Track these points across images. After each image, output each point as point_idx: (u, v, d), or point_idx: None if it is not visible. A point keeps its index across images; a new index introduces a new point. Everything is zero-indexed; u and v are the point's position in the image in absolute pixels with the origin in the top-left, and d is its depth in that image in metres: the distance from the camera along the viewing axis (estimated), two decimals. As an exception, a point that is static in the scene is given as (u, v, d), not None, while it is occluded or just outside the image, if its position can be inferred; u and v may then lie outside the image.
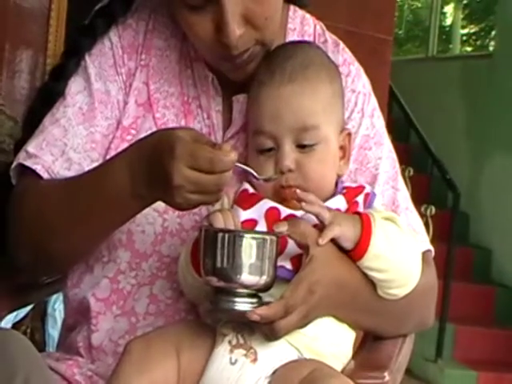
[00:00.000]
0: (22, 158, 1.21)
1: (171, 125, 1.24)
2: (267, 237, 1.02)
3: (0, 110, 2.02)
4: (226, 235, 1.00)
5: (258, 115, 1.15)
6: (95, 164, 1.20)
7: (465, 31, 9.46)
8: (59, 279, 1.35)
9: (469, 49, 9.43)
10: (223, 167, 1.01)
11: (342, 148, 1.19)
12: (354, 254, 1.08)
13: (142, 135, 1.20)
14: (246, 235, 1.01)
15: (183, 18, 1.17)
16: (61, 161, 1.20)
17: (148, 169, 1.06)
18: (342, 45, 1.33)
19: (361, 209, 1.14)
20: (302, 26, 1.32)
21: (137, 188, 1.08)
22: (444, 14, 8.99)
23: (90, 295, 1.21)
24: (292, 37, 1.31)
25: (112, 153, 1.22)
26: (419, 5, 10.59)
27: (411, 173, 4.76)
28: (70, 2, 3.15)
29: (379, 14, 3.96)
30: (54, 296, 2.19)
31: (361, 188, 1.17)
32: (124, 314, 1.20)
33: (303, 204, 1.06)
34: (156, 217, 1.18)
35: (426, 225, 4.55)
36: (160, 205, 1.14)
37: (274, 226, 1.05)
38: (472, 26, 9.46)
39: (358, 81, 1.30)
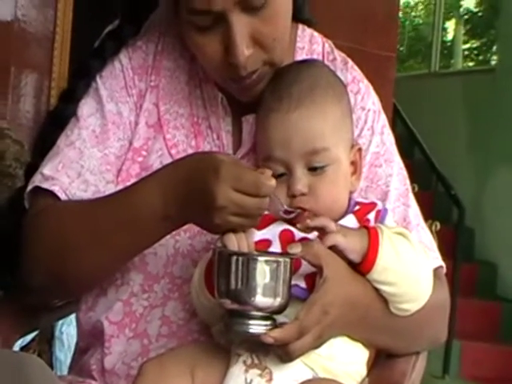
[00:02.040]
0: (37, 180, 1.20)
1: (182, 146, 1.24)
2: (281, 259, 1.02)
3: (6, 134, 2.03)
4: (240, 258, 1.00)
5: (268, 142, 1.15)
6: (110, 185, 1.21)
7: (466, 46, 9.49)
8: (71, 302, 1.35)
9: (471, 64, 9.46)
10: (266, 191, 1.03)
11: (353, 163, 1.19)
12: (362, 266, 1.08)
13: (153, 157, 1.23)
14: (260, 258, 1.01)
15: (192, 39, 1.17)
16: (77, 182, 1.20)
17: (184, 190, 1.07)
18: (350, 62, 1.33)
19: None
20: (310, 44, 1.33)
21: (168, 210, 1.08)
22: (445, 29, 9.02)
23: (103, 318, 1.21)
24: (301, 56, 1.31)
25: (123, 175, 1.23)
26: (420, 21, 10.64)
27: (416, 189, 4.76)
28: (74, 26, 3.18)
29: (382, 32, 3.99)
30: (61, 320, 2.19)
31: (372, 205, 1.17)
32: (136, 336, 1.20)
33: (308, 221, 1.06)
34: (168, 238, 1.17)
35: (431, 241, 4.54)
36: None
37: (288, 248, 1.05)
38: (474, 41, 9.50)
39: (367, 98, 1.30)
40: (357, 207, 1.17)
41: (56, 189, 1.18)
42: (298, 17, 1.32)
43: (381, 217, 1.15)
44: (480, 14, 9.60)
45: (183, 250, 1.20)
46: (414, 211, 1.28)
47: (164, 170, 1.12)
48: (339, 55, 1.33)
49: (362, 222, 1.14)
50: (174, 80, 1.27)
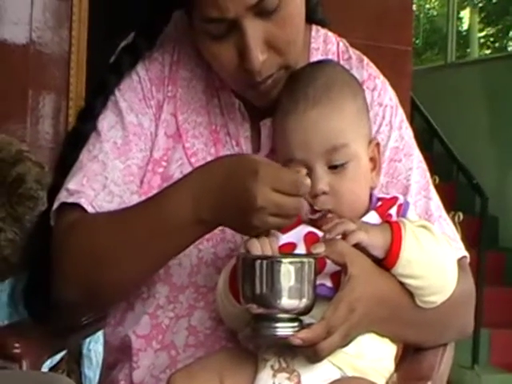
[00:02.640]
0: (63, 196, 1.20)
1: (201, 154, 1.24)
2: (305, 260, 1.02)
3: (26, 156, 2.05)
4: (264, 262, 1.01)
5: (287, 144, 1.15)
6: (134, 196, 1.21)
7: (482, 34, 9.43)
8: (97, 320, 1.35)
9: (487, 51, 9.40)
10: (305, 190, 1.05)
11: (372, 159, 1.19)
12: (386, 261, 1.09)
13: (173, 166, 1.23)
14: (284, 260, 1.01)
15: (206, 48, 1.18)
16: (103, 194, 1.20)
17: (220, 193, 1.07)
18: (366, 60, 1.33)
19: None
20: (325, 44, 1.33)
21: (201, 213, 1.08)
22: (460, 19, 8.97)
23: (131, 332, 1.22)
24: (316, 56, 1.31)
25: (145, 187, 1.23)
26: (435, 13, 10.57)
27: (437, 181, 4.76)
28: (89, 45, 3.18)
29: (397, 26, 3.97)
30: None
31: (394, 199, 1.17)
32: (164, 348, 1.21)
33: (327, 235, 1.06)
34: (191, 248, 1.17)
35: (455, 231, 4.54)
36: None
37: (312, 248, 1.06)
38: (489, 29, 9.43)
39: (384, 94, 1.31)
40: (379, 203, 1.17)
41: (82, 201, 1.18)
42: (312, 18, 1.32)
43: (403, 211, 1.16)
44: (494, 0, 9.54)
45: (207, 259, 1.21)
46: (436, 203, 1.29)
47: (194, 175, 1.12)
48: (354, 53, 1.34)
49: (384, 218, 1.14)
50: (191, 89, 1.28)
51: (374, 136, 1.24)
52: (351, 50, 1.35)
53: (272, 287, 1.00)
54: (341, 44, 1.35)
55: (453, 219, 4.99)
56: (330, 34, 1.36)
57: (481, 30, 9.34)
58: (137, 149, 1.24)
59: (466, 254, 1.28)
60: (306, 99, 1.15)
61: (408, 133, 1.32)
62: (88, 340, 2.21)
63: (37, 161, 2.07)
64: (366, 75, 1.31)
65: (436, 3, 10.63)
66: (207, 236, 1.17)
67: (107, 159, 1.22)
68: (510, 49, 7.88)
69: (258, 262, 1.01)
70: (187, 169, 1.21)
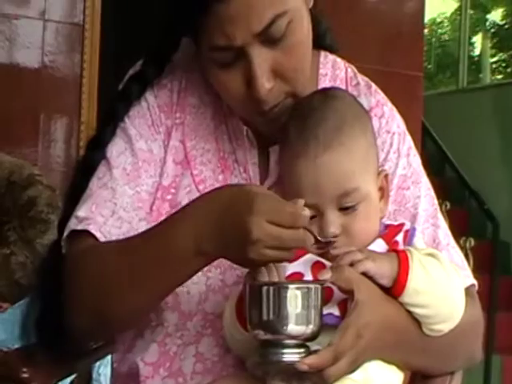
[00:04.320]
0: (73, 224, 1.20)
1: (209, 181, 1.24)
2: (311, 286, 1.02)
3: (37, 180, 2.05)
4: (271, 288, 1.01)
5: (297, 188, 1.14)
6: (143, 223, 1.21)
7: (494, 59, 9.45)
8: (106, 345, 1.35)
9: (499, 77, 9.41)
10: (303, 222, 1.02)
11: (380, 189, 1.19)
12: (393, 290, 1.08)
13: (182, 193, 1.23)
14: (291, 286, 1.01)
15: (214, 75, 1.18)
16: (111, 220, 1.20)
17: (217, 225, 1.06)
18: (374, 86, 1.33)
19: (401, 247, 1.13)
20: (333, 70, 1.32)
21: (202, 245, 1.07)
22: (472, 44, 9.00)
23: (139, 360, 1.22)
24: (324, 83, 1.30)
25: (154, 214, 1.23)
26: (447, 37, 10.61)
27: (448, 207, 4.76)
28: (101, 68, 3.19)
29: (408, 51, 3.99)
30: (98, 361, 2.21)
31: (400, 226, 1.17)
32: (171, 375, 1.20)
33: (337, 259, 1.07)
34: (200, 276, 1.17)
35: (466, 257, 4.51)
36: None
37: (318, 275, 1.06)
38: (501, 54, 9.45)
39: (392, 121, 1.30)
40: (385, 231, 1.16)
41: (91, 227, 1.18)
42: (321, 44, 1.32)
43: (409, 237, 1.15)
44: (506, 26, 9.56)
45: (214, 287, 1.20)
46: (444, 231, 1.28)
47: (197, 204, 1.11)
48: (362, 79, 1.33)
49: (390, 245, 1.14)
50: (199, 116, 1.28)
51: (381, 165, 1.24)
52: (359, 77, 1.34)
53: (279, 313, 1.00)
54: (349, 70, 1.34)
55: (464, 245, 5.02)
56: (339, 59, 1.35)
57: (493, 56, 9.36)
58: (146, 175, 1.24)
59: (475, 282, 1.27)
60: (316, 143, 1.13)
61: (416, 160, 1.31)
62: (98, 364, 2.21)
63: (48, 184, 2.08)
64: (373, 102, 1.30)
65: (448, 28, 10.67)
66: (215, 263, 1.15)
67: (116, 185, 1.22)
68: (522, 74, 7.90)
69: (265, 288, 1.01)
70: (195, 196, 1.20)
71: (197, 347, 1.20)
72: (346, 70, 1.34)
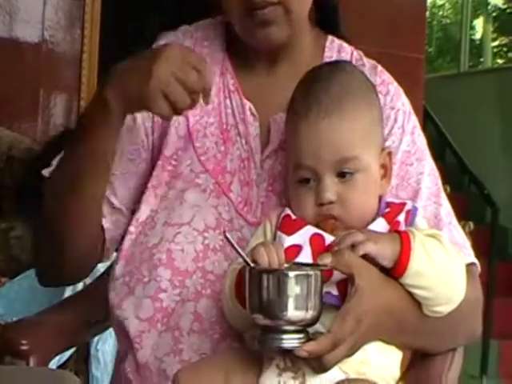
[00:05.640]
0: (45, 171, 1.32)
1: (211, 152, 1.28)
2: (311, 273, 1.02)
3: None
4: (271, 275, 1.02)
5: (297, 150, 1.16)
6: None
7: (495, 44, 9.42)
8: (105, 318, 1.36)
9: (500, 61, 9.39)
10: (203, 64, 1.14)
11: (382, 166, 1.19)
12: (394, 271, 1.08)
13: (183, 165, 1.27)
14: (291, 274, 1.02)
15: None
16: None
17: (125, 71, 1.16)
18: (380, 67, 1.34)
19: (402, 227, 1.14)
20: (338, 53, 1.34)
21: (106, 96, 1.15)
22: (474, 27, 8.96)
23: (132, 317, 1.23)
24: None
25: (154, 180, 1.27)
26: (448, 20, 10.58)
27: (448, 191, 4.75)
28: (101, 45, 3.20)
29: (410, 34, 3.98)
30: (97, 337, 2.22)
31: (402, 205, 1.17)
32: (168, 329, 1.21)
33: (335, 248, 1.06)
34: (196, 235, 1.21)
35: (465, 241, 4.53)
36: (199, 224, 1.20)
37: (318, 259, 1.06)
38: (503, 38, 9.42)
39: (396, 99, 1.31)
40: (387, 209, 1.16)
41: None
42: (334, 33, 1.37)
43: (411, 217, 1.15)
44: (508, 10, 9.52)
45: (214, 246, 1.22)
46: (446, 209, 1.28)
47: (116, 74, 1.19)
48: (368, 62, 1.35)
49: (392, 225, 1.14)
50: None
51: (385, 139, 1.24)
52: (365, 59, 1.35)
53: (278, 300, 1.01)
54: (355, 53, 1.36)
55: (463, 229, 5.00)
56: (346, 44, 1.37)
57: (494, 40, 9.33)
58: (126, 141, 1.28)
59: (476, 260, 1.28)
60: (318, 107, 1.14)
61: (421, 139, 1.32)
62: (96, 340, 2.21)
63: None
64: (379, 80, 1.31)
65: (449, 11, 10.64)
66: (213, 225, 1.21)
67: None
68: (523, 59, 7.89)
69: (265, 275, 1.02)
70: (197, 167, 1.26)
71: (195, 306, 1.21)
72: (352, 53, 1.36)
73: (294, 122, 1.18)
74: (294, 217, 1.16)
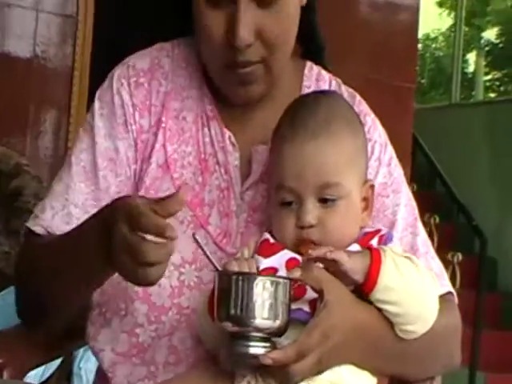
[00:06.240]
0: (30, 220, 1.27)
1: (189, 183, 1.25)
2: (280, 280, 1.03)
3: (25, 170, 2.06)
4: (240, 278, 1.02)
5: (281, 171, 1.15)
6: None
7: (488, 77, 9.49)
8: (81, 334, 1.33)
9: (492, 95, 9.45)
10: (172, 232, 0.99)
11: (364, 199, 1.19)
12: (364, 286, 1.08)
13: (160, 195, 1.21)
14: (259, 278, 1.02)
15: (198, 13, 1.19)
16: (61, 214, 1.24)
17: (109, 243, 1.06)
18: (358, 97, 1.34)
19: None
20: (317, 82, 1.34)
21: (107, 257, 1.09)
22: (466, 61, 9.04)
23: (109, 350, 1.22)
24: None
25: None
26: (441, 53, 10.66)
27: (437, 220, 4.77)
28: (92, 61, 3.20)
29: (401, 63, 4.01)
30: (80, 354, 2.20)
31: (376, 232, 1.17)
32: (144, 363, 1.21)
33: (310, 251, 1.07)
34: (172, 270, 1.19)
35: (453, 272, 4.53)
36: (176, 258, 1.18)
37: (288, 272, 1.06)
38: (495, 72, 9.50)
39: (373, 131, 1.31)
40: (362, 237, 1.17)
41: (37, 228, 1.24)
42: (315, 61, 1.36)
43: (384, 241, 1.16)
44: (501, 45, 9.61)
45: (189, 283, 1.21)
46: (423, 239, 1.28)
47: (103, 212, 1.13)
48: (346, 90, 1.35)
49: (365, 248, 1.13)
50: (181, 121, 1.28)
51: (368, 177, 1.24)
52: (344, 88, 1.35)
53: (247, 305, 1.01)
54: (333, 82, 1.36)
55: (452, 259, 5.00)
56: (324, 72, 1.37)
57: (487, 74, 9.40)
58: (112, 175, 1.25)
59: (453, 290, 1.28)
60: (305, 130, 1.14)
61: (398, 170, 1.32)
62: (79, 358, 2.20)
63: (35, 175, 2.08)
64: (356, 111, 1.30)
65: (443, 44, 10.72)
66: (189, 259, 1.20)
67: (70, 182, 1.25)
68: (514, 93, 7.93)
69: (234, 277, 1.02)
70: None
71: (170, 339, 1.20)
72: (330, 83, 1.36)
73: (279, 144, 1.18)
74: (272, 241, 1.16)
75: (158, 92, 1.29)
